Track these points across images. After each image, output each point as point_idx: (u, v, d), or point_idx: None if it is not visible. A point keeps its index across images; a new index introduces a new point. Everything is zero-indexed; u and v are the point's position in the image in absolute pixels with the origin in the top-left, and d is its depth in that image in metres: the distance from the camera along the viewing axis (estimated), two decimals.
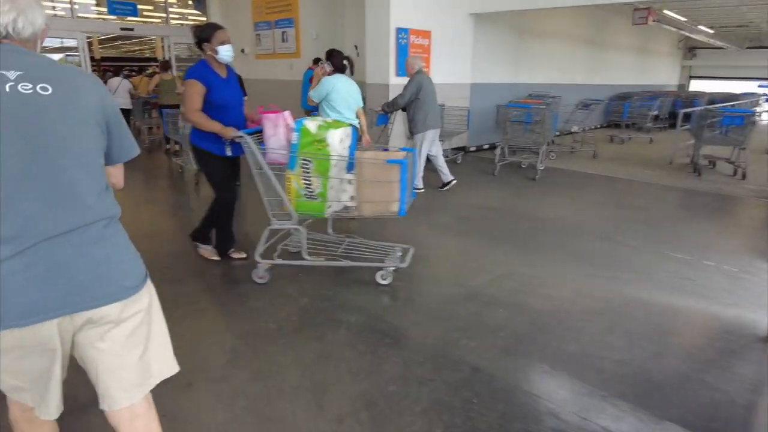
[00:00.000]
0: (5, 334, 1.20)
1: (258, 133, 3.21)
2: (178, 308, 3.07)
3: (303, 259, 3.38)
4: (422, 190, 5.97)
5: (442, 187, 6.14)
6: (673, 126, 12.90)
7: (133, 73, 12.86)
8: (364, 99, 8.01)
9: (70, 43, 9.82)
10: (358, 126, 4.31)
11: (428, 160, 6.10)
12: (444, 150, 7.58)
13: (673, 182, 6.92)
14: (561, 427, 2.08)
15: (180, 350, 2.64)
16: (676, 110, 13.25)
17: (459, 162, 8.01)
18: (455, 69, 8.36)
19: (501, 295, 3.31)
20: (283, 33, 10.10)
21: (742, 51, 17.84)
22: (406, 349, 2.65)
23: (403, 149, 3.35)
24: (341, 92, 4.40)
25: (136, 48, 21.66)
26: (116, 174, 1.48)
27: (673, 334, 2.93)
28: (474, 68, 8.72)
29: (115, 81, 10.09)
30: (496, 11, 8.03)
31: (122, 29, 10.34)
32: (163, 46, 12.59)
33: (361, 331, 2.83)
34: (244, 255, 3.82)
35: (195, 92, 3.24)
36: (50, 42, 10.07)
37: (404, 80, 5.85)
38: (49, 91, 1.20)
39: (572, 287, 3.47)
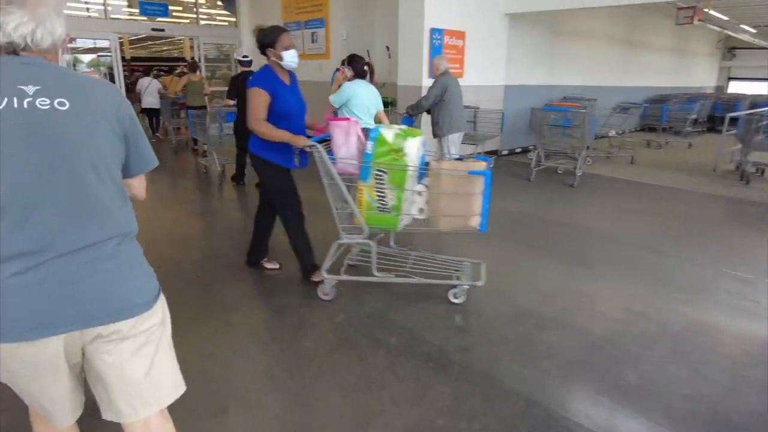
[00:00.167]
0: (13, 347, 1.20)
1: (324, 142, 3.04)
2: (209, 321, 2.95)
3: (371, 275, 3.18)
4: None
5: None
6: (711, 130, 12.48)
7: (162, 72, 12.96)
8: (395, 101, 7.94)
9: (102, 44, 9.88)
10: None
11: None
12: (477, 154, 7.38)
13: (719, 190, 6.56)
14: None
15: (214, 371, 2.52)
16: (715, 113, 12.86)
17: (492, 166, 7.76)
18: (489, 71, 8.13)
19: (551, 316, 3.09)
20: (312, 33, 9.99)
21: None
22: (451, 375, 2.47)
23: (478, 158, 3.09)
24: (361, 98, 4.39)
25: (165, 48, 21.92)
26: (137, 186, 1.46)
27: (746, 366, 2.65)
28: (508, 70, 8.47)
29: (145, 81, 10.17)
30: (532, 11, 7.77)
31: (153, 30, 10.38)
32: (192, 47, 12.63)
33: (402, 354, 2.65)
34: (277, 265, 3.69)
35: (260, 101, 3.00)
36: (83, 43, 10.17)
37: None
38: (66, 106, 1.18)
39: (623, 306, 3.24)
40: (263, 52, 3.11)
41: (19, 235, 1.14)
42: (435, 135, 5.78)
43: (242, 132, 6.24)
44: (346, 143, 2.95)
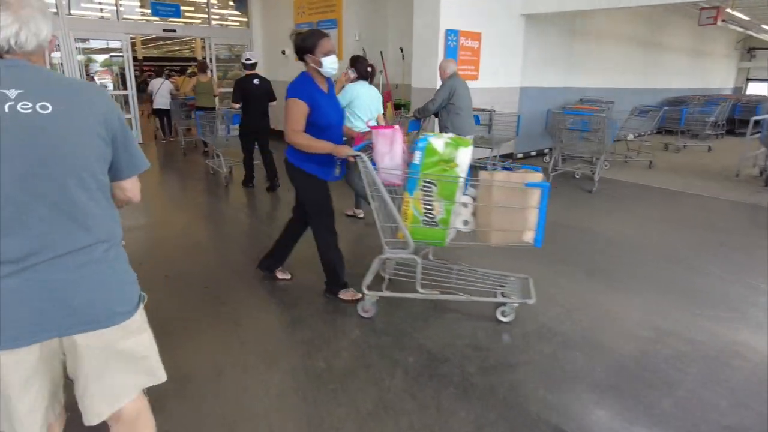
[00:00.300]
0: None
1: (365, 150, 2.87)
2: (220, 333, 2.84)
3: (411, 290, 3.02)
4: None
5: None
6: (730, 133, 12.17)
7: (174, 73, 12.92)
8: (407, 104, 7.80)
9: (114, 44, 9.85)
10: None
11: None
12: (493, 157, 7.22)
13: (743, 197, 6.34)
14: None
15: (226, 389, 2.40)
16: (734, 116, 12.53)
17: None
18: (505, 72, 7.96)
19: (576, 334, 2.94)
20: None
21: None
22: (474, 401, 2.33)
23: (525, 167, 2.87)
24: (364, 100, 4.37)
25: (176, 48, 21.99)
26: (131, 188, 1.43)
27: None
28: (524, 71, 8.29)
29: (157, 81, 10.14)
30: (549, 12, 7.60)
31: (165, 30, 10.33)
32: (203, 47, 12.59)
33: (421, 376, 2.51)
34: (289, 276, 3.57)
35: (298, 112, 2.82)
36: (96, 44, 10.14)
37: None
38: (49, 110, 1.15)
39: (652, 324, 3.08)
40: (301, 58, 2.94)
41: (4, 243, 1.14)
42: None
43: (248, 135, 6.14)
44: (390, 152, 2.78)
